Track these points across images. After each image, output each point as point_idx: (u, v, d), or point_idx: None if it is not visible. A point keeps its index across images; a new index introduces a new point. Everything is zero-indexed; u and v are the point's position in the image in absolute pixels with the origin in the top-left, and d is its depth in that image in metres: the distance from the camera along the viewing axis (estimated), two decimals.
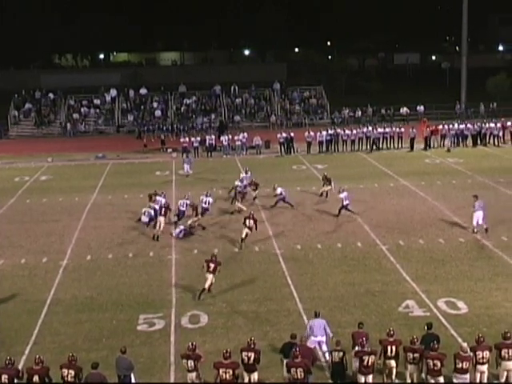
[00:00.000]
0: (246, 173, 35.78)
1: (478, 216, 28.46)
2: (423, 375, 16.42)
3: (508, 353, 16.30)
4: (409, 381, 16.66)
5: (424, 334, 17.23)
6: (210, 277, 22.71)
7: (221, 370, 15.74)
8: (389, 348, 16.69)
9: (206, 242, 28.74)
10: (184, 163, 42.31)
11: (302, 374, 15.70)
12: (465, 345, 16.43)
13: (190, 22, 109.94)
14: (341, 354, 16.45)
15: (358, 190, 36.24)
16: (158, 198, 31.17)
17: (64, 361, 16.19)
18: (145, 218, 30.10)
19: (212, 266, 22.67)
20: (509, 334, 16.56)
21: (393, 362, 16.71)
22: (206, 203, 30.75)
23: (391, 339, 16.80)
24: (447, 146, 48.58)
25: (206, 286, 22.71)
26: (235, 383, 15.84)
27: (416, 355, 16.34)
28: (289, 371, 15.96)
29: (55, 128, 62.91)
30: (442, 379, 15.93)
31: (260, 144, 50.14)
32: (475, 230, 28.54)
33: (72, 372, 15.89)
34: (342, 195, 31.12)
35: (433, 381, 15.97)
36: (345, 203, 31.06)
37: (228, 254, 26.97)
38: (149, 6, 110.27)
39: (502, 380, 16.47)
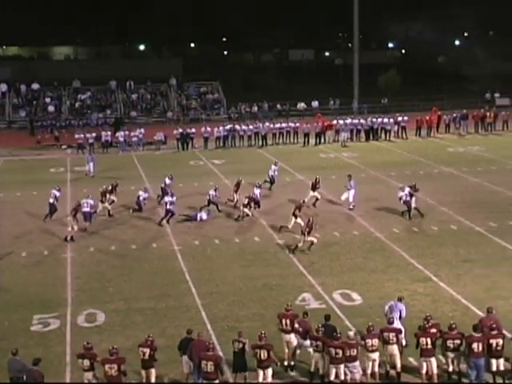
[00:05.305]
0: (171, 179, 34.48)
1: (349, 194, 31.50)
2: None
3: (389, 336, 16.86)
4: (313, 369, 16.98)
5: (323, 325, 17.53)
6: (311, 238, 25.93)
7: (106, 366, 15.78)
8: (283, 321, 17.56)
9: (102, 238, 28.37)
10: (88, 161, 40.87)
11: (213, 368, 15.78)
12: (351, 333, 16.99)
13: (84, 15, 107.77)
14: (240, 345, 16.56)
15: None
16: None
17: None
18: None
19: (304, 227, 26.09)
20: (392, 320, 17.21)
21: (288, 336, 17.48)
22: (86, 206, 29.59)
23: (289, 313, 17.70)
24: (342, 142, 49.47)
25: (314, 241, 26.07)
26: (119, 382, 15.83)
27: (319, 343, 16.70)
28: (199, 365, 15.97)
29: None
30: (342, 367, 16.33)
31: (162, 140, 49.78)
32: (350, 207, 31.48)
33: None
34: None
35: (334, 369, 16.34)
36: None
37: (125, 251, 26.74)
38: None
39: (388, 366, 17.00)
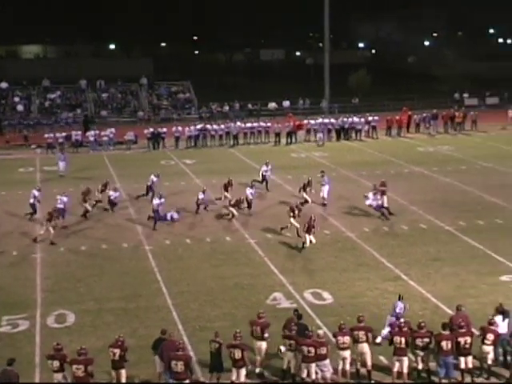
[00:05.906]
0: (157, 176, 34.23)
1: (324, 190, 32.01)
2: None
3: (358, 335, 16.95)
4: (285, 367, 16.96)
5: (295, 324, 17.56)
6: (307, 236, 25.99)
7: (74, 367, 15.72)
8: (254, 328, 17.36)
9: (73, 238, 28.16)
10: (59, 160, 40.30)
11: (183, 368, 15.74)
12: (320, 331, 17.09)
13: (53, 14, 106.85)
14: (217, 345, 16.54)
15: None
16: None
17: None
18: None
19: (306, 226, 26.04)
20: (362, 318, 17.27)
21: (259, 343, 17.21)
22: (60, 202, 29.52)
23: (260, 320, 17.45)
24: (318, 141, 49.53)
25: (307, 244, 26.06)
26: (86, 383, 15.79)
27: (292, 342, 16.72)
28: (170, 366, 15.88)
29: None
30: (314, 365, 16.39)
31: (133, 139, 49.55)
32: (325, 202, 31.95)
33: None
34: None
35: (305, 368, 16.40)
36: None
37: (95, 251, 26.58)
38: None
39: (359, 364, 17.08)
